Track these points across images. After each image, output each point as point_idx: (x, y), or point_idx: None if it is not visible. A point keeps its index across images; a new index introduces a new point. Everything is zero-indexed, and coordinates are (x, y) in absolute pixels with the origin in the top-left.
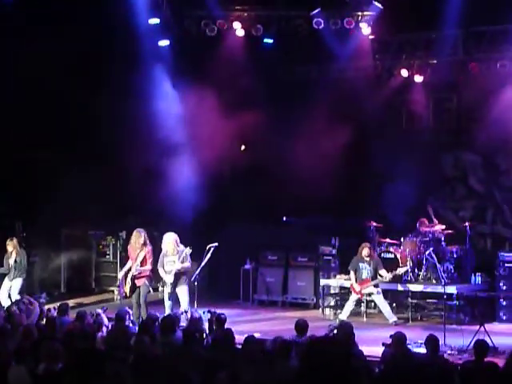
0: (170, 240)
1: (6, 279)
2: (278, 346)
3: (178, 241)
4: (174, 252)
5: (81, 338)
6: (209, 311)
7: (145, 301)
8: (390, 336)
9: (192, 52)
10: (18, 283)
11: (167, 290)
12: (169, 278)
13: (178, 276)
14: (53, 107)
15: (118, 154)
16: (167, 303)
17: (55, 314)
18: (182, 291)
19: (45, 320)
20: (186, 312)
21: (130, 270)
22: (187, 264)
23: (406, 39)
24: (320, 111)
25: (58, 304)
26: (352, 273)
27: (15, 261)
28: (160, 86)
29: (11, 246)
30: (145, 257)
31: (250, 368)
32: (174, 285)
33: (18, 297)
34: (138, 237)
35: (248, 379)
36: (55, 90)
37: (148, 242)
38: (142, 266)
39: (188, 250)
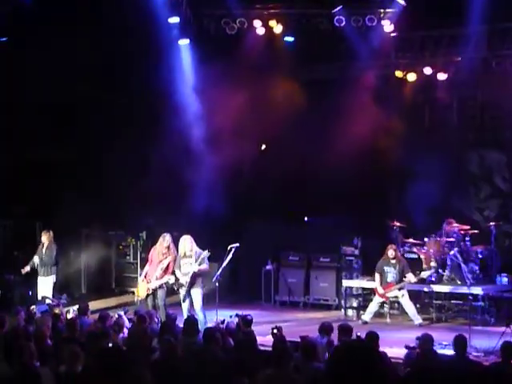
0: (186, 242)
1: (41, 277)
2: (303, 347)
3: (194, 243)
4: (191, 252)
5: (102, 340)
6: (237, 315)
7: (164, 304)
8: (417, 338)
9: (212, 51)
10: (51, 281)
11: (182, 291)
12: (184, 279)
13: (194, 278)
14: (72, 106)
15: (138, 152)
16: (184, 305)
17: (73, 315)
18: (196, 294)
19: (65, 321)
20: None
21: (146, 275)
22: (204, 266)
23: (428, 36)
24: (341, 110)
25: (78, 305)
26: (377, 275)
27: (48, 255)
28: (180, 85)
29: (46, 237)
30: (168, 264)
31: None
32: (190, 286)
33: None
34: (162, 242)
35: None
36: (72, 89)
37: (173, 247)
38: (164, 273)
39: (206, 253)
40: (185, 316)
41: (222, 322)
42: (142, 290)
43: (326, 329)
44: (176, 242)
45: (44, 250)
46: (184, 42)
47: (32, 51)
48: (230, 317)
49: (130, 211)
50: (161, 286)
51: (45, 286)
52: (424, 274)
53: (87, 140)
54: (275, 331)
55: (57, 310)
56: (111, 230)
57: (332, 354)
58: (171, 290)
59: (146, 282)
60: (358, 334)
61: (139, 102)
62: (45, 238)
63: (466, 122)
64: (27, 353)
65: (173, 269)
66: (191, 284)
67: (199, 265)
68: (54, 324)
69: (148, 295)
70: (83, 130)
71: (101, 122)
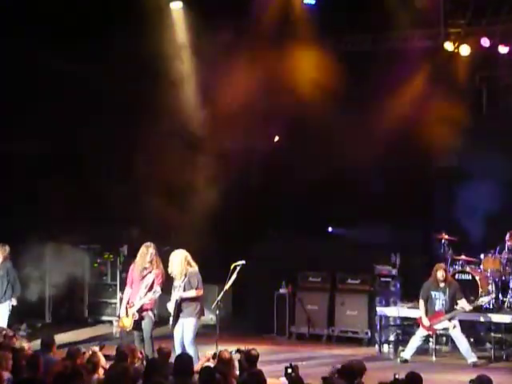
0: (178, 259)
1: None
2: None
3: (190, 258)
4: (181, 274)
5: (73, 382)
6: (238, 350)
7: (151, 336)
8: (471, 381)
9: (211, 16)
10: (7, 308)
11: (170, 320)
12: (170, 307)
13: (185, 305)
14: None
15: (122, 143)
16: (175, 338)
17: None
18: (188, 324)
19: (25, 359)
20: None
21: (128, 300)
22: (190, 294)
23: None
24: (376, 92)
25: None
26: (422, 302)
27: (2, 275)
28: (171, 60)
29: (1, 253)
30: (153, 282)
31: None
32: (177, 314)
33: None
34: (145, 254)
35: None
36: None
37: (158, 260)
38: (147, 293)
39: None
40: (177, 351)
41: (214, 356)
42: (126, 318)
43: (354, 370)
44: (167, 257)
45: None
46: (176, 6)
47: None
48: (230, 353)
49: (108, 219)
50: (146, 310)
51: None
52: (481, 301)
53: (56, 129)
54: (290, 371)
55: (17, 344)
56: (83, 244)
57: None
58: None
59: (129, 307)
60: (397, 376)
61: (121, 78)
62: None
63: None
64: None
65: (161, 284)
66: (179, 311)
67: (184, 290)
68: (14, 362)
69: (136, 324)
70: (48, 116)
71: (72, 105)
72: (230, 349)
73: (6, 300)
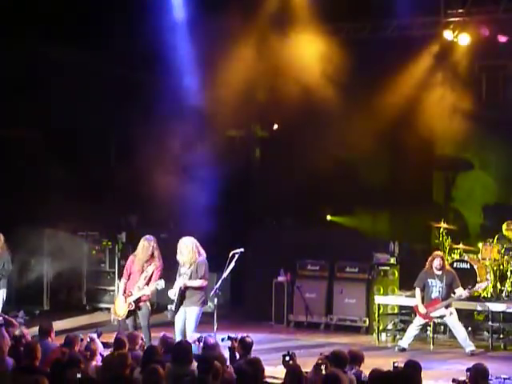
0: (188, 246)
1: None
2: (323, 380)
3: (199, 246)
4: (189, 262)
5: (70, 369)
6: (229, 337)
7: (148, 324)
8: (467, 369)
9: (212, 3)
10: (1, 295)
11: (172, 307)
12: (173, 292)
13: (189, 293)
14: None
15: (118, 136)
16: (176, 326)
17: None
18: (192, 312)
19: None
20: (199, 341)
21: (125, 289)
22: (194, 284)
23: None
24: (373, 80)
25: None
26: (418, 290)
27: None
28: (172, 47)
29: None
30: (152, 273)
31: None
32: (180, 302)
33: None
34: (146, 247)
35: None
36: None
37: (159, 252)
38: (148, 283)
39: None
40: (177, 338)
41: (199, 339)
42: (120, 306)
43: (353, 357)
44: (166, 245)
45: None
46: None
47: None
48: (222, 340)
49: (106, 206)
50: (144, 301)
51: None
52: (479, 287)
53: (53, 115)
54: (288, 359)
55: (17, 331)
56: (81, 231)
57: None
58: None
59: (126, 297)
60: (396, 364)
61: (119, 67)
62: None
63: None
64: None
65: (159, 276)
66: (183, 298)
67: (191, 278)
68: (12, 348)
69: (129, 312)
70: (46, 102)
71: (70, 91)
72: (222, 336)
73: (2, 288)
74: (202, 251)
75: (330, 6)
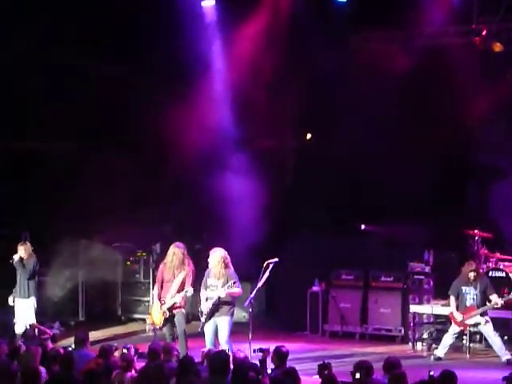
0: (216, 258)
1: (18, 299)
2: None
3: (228, 260)
4: (218, 274)
5: (106, 379)
6: (260, 349)
7: (184, 332)
8: (504, 378)
9: (243, 13)
10: (32, 303)
11: (202, 319)
12: (205, 306)
13: (221, 304)
14: (75, 85)
15: (153, 147)
16: (206, 336)
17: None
18: (223, 322)
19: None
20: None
21: (159, 297)
22: (235, 290)
23: None
24: (405, 87)
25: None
26: (453, 298)
27: (29, 269)
28: (204, 57)
29: (24, 249)
30: (184, 280)
31: None
32: (212, 313)
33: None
34: (176, 253)
35: None
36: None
37: (188, 259)
38: (178, 291)
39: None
40: (207, 349)
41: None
42: (156, 315)
43: (392, 365)
44: (201, 256)
45: (22, 266)
46: (208, 4)
47: None
48: (254, 351)
49: (140, 217)
50: (178, 308)
51: (24, 310)
52: None
53: (86, 128)
54: (324, 370)
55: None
56: (116, 242)
57: None
58: (192, 316)
59: (161, 305)
60: (431, 372)
61: (150, 80)
62: (22, 251)
63: None
64: None
65: (192, 284)
66: (215, 310)
67: (228, 288)
68: (44, 359)
69: (166, 320)
70: (82, 116)
71: (106, 105)
72: (255, 346)
73: (29, 296)
74: (230, 265)
75: (362, 12)
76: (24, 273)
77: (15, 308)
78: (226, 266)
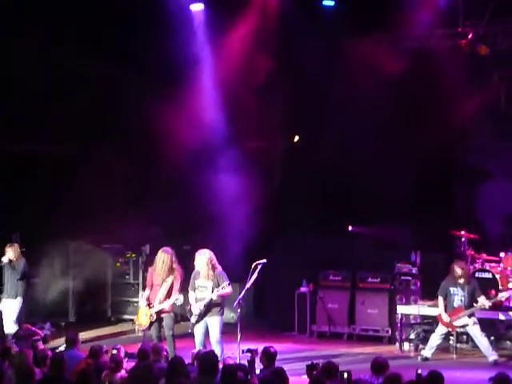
0: (203, 260)
1: (6, 299)
2: None
3: (215, 261)
4: (207, 276)
5: (95, 379)
6: (249, 350)
7: (172, 334)
8: (490, 379)
9: (232, 17)
10: (18, 305)
11: (193, 319)
12: (196, 308)
13: (212, 305)
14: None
15: (142, 147)
16: (196, 336)
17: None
18: (214, 323)
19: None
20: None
21: (149, 299)
22: (226, 290)
23: None
24: (392, 90)
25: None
26: (441, 299)
27: (19, 270)
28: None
29: (12, 251)
30: (172, 284)
31: None
32: (203, 315)
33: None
34: (165, 259)
35: None
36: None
37: (177, 263)
38: (167, 296)
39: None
40: (197, 349)
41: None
42: (143, 317)
43: (380, 366)
44: (190, 257)
45: (12, 267)
46: (197, 8)
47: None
48: (243, 352)
49: (130, 219)
50: (167, 312)
51: (9, 309)
52: (501, 296)
53: (78, 134)
54: (311, 370)
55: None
56: (106, 243)
57: None
58: (181, 317)
59: (149, 308)
60: (419, 371)
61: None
62: (11, 253)
63: None
64: None
65: (180, 288)
66: (207, 311)
67: (221, 289)
68: (34, 360)
69: (152, 323)
70: (73, 119)
71: (97, 108)
72: (242, 349)
73: (16, 296)
74: (218, 266)
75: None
76: (14, 274)
77: (2, 309)
78: (214, 267)
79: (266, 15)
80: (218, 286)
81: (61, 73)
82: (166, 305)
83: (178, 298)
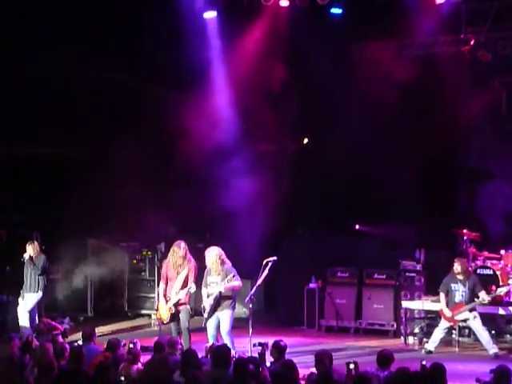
0: (212, 256)
1: (27, 293)
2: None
3: (224, 256)
4: (217, 271)
5: (113, 372)
6: (259, 343)
7: (188, 327)
8: (491, 371)
9: (244, 25)
10: (36, 299)
11: (205, 314)
12: (207, 302)
13: (222, 298)
14: (76, 90)
15: (158, 149)
16: (209, 330)
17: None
18: (225, 316)
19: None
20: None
21: (165, 293)
22: (235, 284)
23: (507, 6)
24: (398, 94)
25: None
26: (443, 295)
27: (39, 266)
28: (206, 66)
29: (32, 248)
30: (187, 276)
31: None
32: (214, 309)
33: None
34: (177, 251)
35: None
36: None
37: (190, 255)
38: (182, 287)
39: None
40: (210, 343)
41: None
42: (163, 311)
43: (386, 359)
44: (202, 255)
45: (33, 264)
46: (210, 15)
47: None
48: (254, 345)
49: (146, 218)
50: (183, 304)
51: (28, 303)
52: (501, 291)
53: (95, 134)
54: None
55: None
56: (123, 241)
57: None
58: (194, 312)
59: (166, 302)
60: (424, 362)
61: (160, 85)
62: (30, 250)
63: None
64: None
65: (195, 280)
66: (217, 305)
67: (227, 282)
68: (54, 354)
69: (173, 316)
70: (90, 121)
71: (115, 113)
72: (253, 342)
73: (37, 291)
74: (227, 261)
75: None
76: (35, 270)
77: (21, 303)
78: (223, 262)
79: (277, 22)
80: (227, 277)
81: (73, 76)
82: (182, 295)
83: (190, 286)
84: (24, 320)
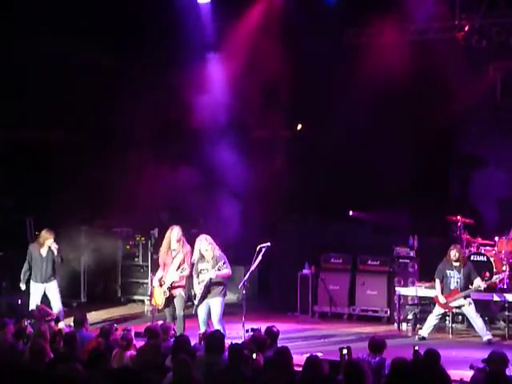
0: (202, 243)
1: (38, 283)
2: (347, 369)
3: (213, 244)
4: (207, 258)
5: (107, 358)
6: (252, 329)
7: (183, 315)
8: (484, 359)
9: (238, 10)
10: (56, 285)
11: (196, 301)
12: (198, 288)
13: (212, 285)
14: (70, 77)
15: (150, 136)
16: (199, 317)
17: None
18: (215, 303)
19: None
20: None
21: (161, 279)
22: (224, 271)
23: None
24: (393, 81)
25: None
26: (438, 282)
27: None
28: (199, 53)
29: (52, 237)
30: (182, 260)
31: None
32: (204, 295)
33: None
34: (172, 236)
35: None
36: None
37: (185, 240)
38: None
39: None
40: (201, 329)
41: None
42: (158, 296)
43: (377, 345)
44: (194, 240)
45: (51, 253)
46: (204, 0)
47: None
48: (247, 331)
49: (139, 203)
50: (178, 288)
51: (51, 292)
52: (496, 278)
53: (86, 118)
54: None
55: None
56: (116, 227)
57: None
58: (188, 298)
59: (160, 286)
60: (416, 347)
61: (153, 71)
62: (51, 239)
63: None
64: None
65: (190, 263)
66: (208, 292)
67: (218, 270)
68: (51, 339)
69: (168, 301)
70: (83, 106)
71: (106, 97)
72: (246, 328)
73: (55, 279)
74: (216, 247)
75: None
76: (57, 258)
77: (32, 291)
78: (213, 250)
79: (272, 7)
80: (217, 265)
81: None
82: (176, 277)
83: (183, 267)
84: (57, 302)
